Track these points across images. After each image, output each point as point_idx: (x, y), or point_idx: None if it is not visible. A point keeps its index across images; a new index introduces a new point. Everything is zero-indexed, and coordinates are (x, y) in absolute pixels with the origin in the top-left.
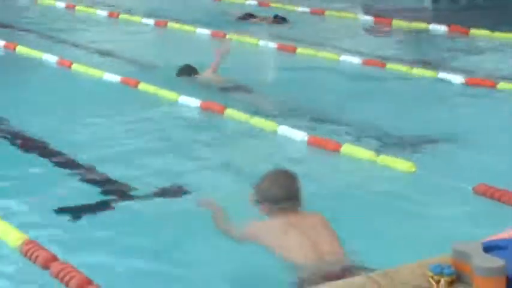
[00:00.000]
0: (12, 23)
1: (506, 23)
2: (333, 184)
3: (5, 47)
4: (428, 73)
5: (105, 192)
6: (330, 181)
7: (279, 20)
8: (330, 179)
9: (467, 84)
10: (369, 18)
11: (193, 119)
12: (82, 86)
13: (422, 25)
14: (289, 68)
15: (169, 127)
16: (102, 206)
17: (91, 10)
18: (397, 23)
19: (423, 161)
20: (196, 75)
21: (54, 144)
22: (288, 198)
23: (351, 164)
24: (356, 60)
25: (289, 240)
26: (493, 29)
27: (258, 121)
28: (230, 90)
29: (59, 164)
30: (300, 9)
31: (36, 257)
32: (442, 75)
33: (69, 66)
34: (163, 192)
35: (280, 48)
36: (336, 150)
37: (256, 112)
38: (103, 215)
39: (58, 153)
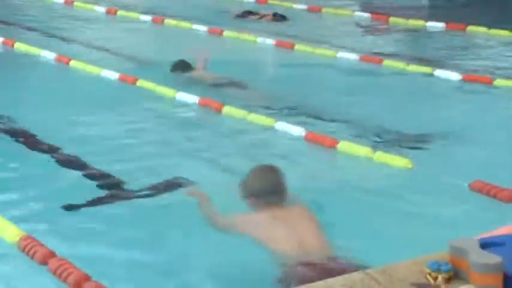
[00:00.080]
0: (10, 20)
1: (502, 20)
2: (329, 180)
3: (3, 43)
4: (425, 70)
5: (102, 187)
6: (327, 177)
7: (278, 17)
8: (327, 175)
9: (464, 80)
10: (365, 15)
11: (190, 115)
12: (80, 83)
13: (419, 22)
14: (286, 64)
15: (167, 123)
16: (100, 201)
17: (89, 6)
18: (394, 20)
19: (420, 157)
20: (190, 71)
21: (51, 140)
22: (273, 193)
23: (348, 160)
24: (353, 56)
25: (274, 233)
26: (489, 26)
27: (255, 117)
28: (224, 86)
29: (57, 160)
30: (297, 6)
31: (34, 253)
32: (438, 71)
33: (67, 63)
34: (160, 187)
35: (278, 45)
36: (333, 146)
37: (248, 107)
38: (101, 210)
39: (56, 149)
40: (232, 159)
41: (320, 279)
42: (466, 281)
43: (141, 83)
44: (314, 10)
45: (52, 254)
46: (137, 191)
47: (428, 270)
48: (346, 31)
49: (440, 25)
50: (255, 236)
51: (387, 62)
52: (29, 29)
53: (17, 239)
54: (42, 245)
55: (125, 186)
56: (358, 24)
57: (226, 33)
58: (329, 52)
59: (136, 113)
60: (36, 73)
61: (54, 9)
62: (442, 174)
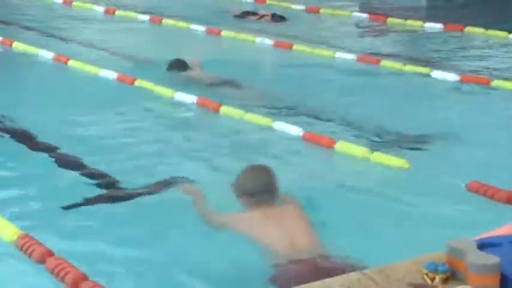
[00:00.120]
0: (9, 19)
1: (500, 21)
2: (326, 180)
3: (2, 43)
4: (422, 70)
5: (100, 186)
6: (324, 177)
7: (277, 18)
8: (324, 175)
9: (461, 81)
10: (364, 16)
11: (188, 114)
12: (78, 82)
13: (417, 23)
14: (285, 64)
15: (165, 123)
16: (98, 200)
17: (88, 6)
18: (391, 20)
19: (417, 158)
20: (187, 70)
21: (49, 139)
22: (265, 192)
23: (345, 160)
24: (351, 57)
25: (265, 232)
26: (487, 26)
27: (252, 117)
28: (220, 86)
29: (55, 159)
30: (296, 6)
31: (32, 251)
32: (436, 72)
33: (66, 63)
34: (158, 186)
35: (277, 45)
36: (331, 146)
37: (246, 106)
38: (99, 209)
39: (54, 148)
40: (230, 158)
41: (312, 276)
42: (463, 281)
43: (139, 82)
44: (312, 10)
45: (50, 253)
46: (135, 190)
47: (425, 271)
48: (344, 31)
49: (438, 26)
50: (247, 235)
51: (385, 63)
52: (28, 28)
53: (15, 237)
54: (40, 243)
55: (123, 185)
56: (356, 25)
57: (224, 33)
58: (327, 52)
59: (135, 113)
60: (35, 73)
61: (52, 9)
62: (439, 174)
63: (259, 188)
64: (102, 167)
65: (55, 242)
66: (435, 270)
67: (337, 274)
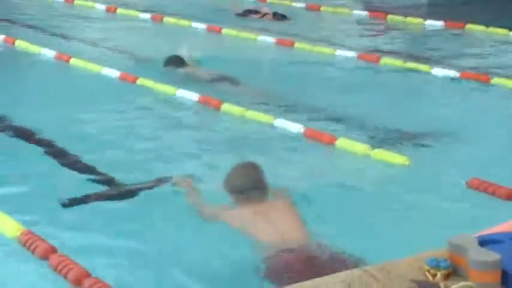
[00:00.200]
0: (11, 18)
1: (501, 19)
2: (327, 176)
3: (5, 41)
4: (423, 68)
5: (102, 183)
6: (325, 173)
7: (279, 17)
8: (325, 171)
9: (461, 79)
10: (364, 14)
11: (189, 112)
12: (80, 81)
13: (417, 20)
14: (286, 62)
15: (166, 120)
16: (100, 196)
17: (89, 4)
18: (392, 18)
19: (417, 155)
20: (184, 67)
21: (51, 137)
22: (254, 189)
23: (346, 157)
24: (351, 54)
25: (255, 228)
26: (488, 24)
27: (253, 114)
28: (218, 82)
29: (57, 157)
30: (296, 4)
31: (35, 248)
32: (436, 69)
33: (68, 61)
34: (160, 183)
35: (278, 43)
36: (331, 143)
37: (247, 103)
38: (101, 206)
39: (56, 146)
40: (231, 155)
41: (302, 267)
42: (464, 278)
43: (141, 81)
44: (313, 8)
45: (53, 249)
46: (136, 187)
47: (427, 267)
48: (345, 29)
49: (438, 23)
50: (238, 230)
51: (385, 60)
52: (30, 27)
53: (18, 233)
54: (43, 240)
55: (124, 182)
56: (356, 23)
57: (225, 31)
58: (328, 50)
59: (136, 110)
60: (37, 71)
61: (54, 8)
62: (440, 171)
63: (248, 185)
64: (103, 164)
65: (58, 239)
66: (437, 267)
67: (327, 265)
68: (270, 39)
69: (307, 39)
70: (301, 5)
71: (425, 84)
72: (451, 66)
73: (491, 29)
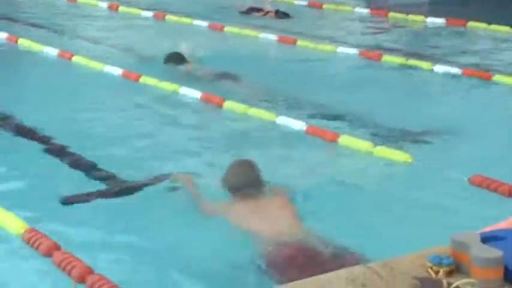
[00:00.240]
0: (14, 16)
1: (503, 16)
2: (329, 174)
3: (8, 39)
4: (424, 65)
5: (104, 180)
6: (327, 171)
7: (281, 14)
8: (327, 169)
9: (463, 76)
10: (365, 11)
11: (192, 109)
12: (83, 78)
13: (419, 18)
14: (288, 59)
15: (167, 118)
16: (103, 194)
17: (92, 2)
18: (393, 15)
19: (419, 152)
20: (184, 64)
21: (54, 135)
22: (249, 186)
23: (349, 154)
24: (353, 51)
25: (251, 223)
26: (490, 22)
27: (256, 111)
28: (219, 80)
29: (60, 154)
30: (298, 2)
31: (39, 245)
32: (438, 67)
33: (70, 59)
34: (162, 180)
35: (280, 41)
36: (334, 140)
37: (249, 101)
38: (104, 203)
39: (58, 144)
40: (233, 153)
41: (302, 259)
42: (467, 274)
43: (143, 78)
44: (315, 6)
45: (56, 247)
46: (139, 184)
47: (429, 264)
48: (347, 26)
49: (440, 21)
50: (236, 226)
51: (387, 57)
52: (33, 25)
53: (22, 231)
54: (46, 237)
55: (126, 179)
56: (358, 20)
57: (227, 28)
58: (330, 47)
59: (137, 108)
60: (40, 69)
61: (57, 6)
62: (442, 168)
63: (244, 182)
64: (105, 161)
65: (61, 236)
66: (439, 264)
67: (326, 259)
68: (272, 37)
69: (309, 37)
70: (304, 2)
71: (427, 81)
72: (452, 64)
73: (493, 27)
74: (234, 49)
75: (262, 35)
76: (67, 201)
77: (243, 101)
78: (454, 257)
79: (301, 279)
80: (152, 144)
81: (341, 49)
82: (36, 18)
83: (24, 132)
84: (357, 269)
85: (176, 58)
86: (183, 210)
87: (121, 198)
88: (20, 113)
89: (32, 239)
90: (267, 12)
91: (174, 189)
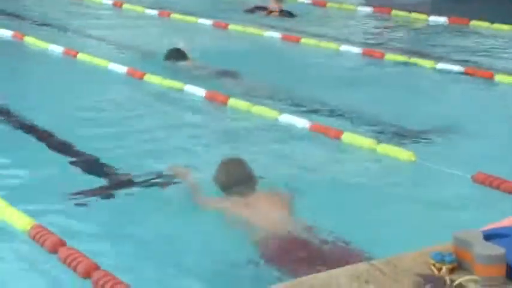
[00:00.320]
0: (20, 13)
1: (506, 15)
2: (333, 171)
3: (13, 37)
4: (427, 63)
5: (110, 178)
6: (331, 168)
7: (285, 13)
8: (331, 166)
9: (466, 75)
10: (368, 9)
11: (196, 107)
12: (88, 75)
13: (422, 16)
14: (291, 57)
15: (172, 116)
16: (108, 191)
17: (97, 0)
18: (396, 13)
19: (422, 149)
20: (184, 61)
21: (59, 132)
22: (239, 183)
23: (352, 151)
24: (356, 50)
25: (244, 217)
26: (492, 20)
27: (259, 109)
28: (219, 77)
29: (64, 150)
30: (303, 0)
31: (44, 241)
32: (440, 65)
33: (75, 56)
34: (166, 178)
35: (284, 39)
36: (337, 137)
37: (252, 98)
38: (108, 201)
39: (63, 141)
40: (237, 151)
41: (296, 251)
42: (470, 272)
43: (148, 77)
44: (319, 4)
45: (62, 243)
46: (144, 182)
47: (432, 261)
48: (350, 25)
49: (443, 19)
50: (231, 220)
51: (389, 56)
52: (39, 22)
53: (28, 227)
54: (52, 233)
55: (132, 177)
56: (361, 18)
57: (231, 26)
58: (333, 45)
59: (142, 105)
60: (45, 66)
61: (62, 3)
62: (445, 166)
63: (234, 180)
64: (109, 157)
65: (66, 232)
66: (442, 261)
67: (323, 252)
68: (276, 35)
69: (313, 35)
70: (308, 0)
71: (430, 80)
72: (455, 62)
73: (496, 25)
74: (237, 47)
75: (266, 33)
76: (72, 197)
77: (244, 98)
78: (457, 254)
79: (296, 269)
80: (156, 140)
81: (344, 47)
82: (42, 16)
83: (29, 128)
84: (360, 266)
85: (176, 55)
86: (186, 204)
87: (125, 194)
88: (25, 110)
89: (37, 235)
90: (271, 12)
91: (177, 184)
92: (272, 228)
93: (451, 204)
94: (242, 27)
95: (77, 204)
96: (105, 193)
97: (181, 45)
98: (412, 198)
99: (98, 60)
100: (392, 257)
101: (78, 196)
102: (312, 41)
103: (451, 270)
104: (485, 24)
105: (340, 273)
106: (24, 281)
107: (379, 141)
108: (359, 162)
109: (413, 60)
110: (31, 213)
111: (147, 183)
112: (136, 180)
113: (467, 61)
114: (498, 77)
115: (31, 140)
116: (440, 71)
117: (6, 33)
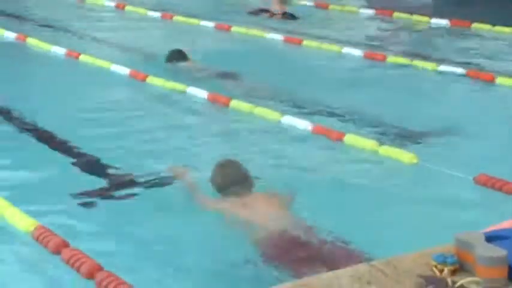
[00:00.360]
0: (23, 15)
1: (507, 18)
2: (335, 173)
3: (17, 38)
4: (428, 65)
5: (112, 180)
6: (333, 170)
7: (288, 16)
8: (333, 167)
9: (467, 77)
10: (370, 12)
11: (197, 109)
12: (90, 77)
13: (423, 18)
14: (293, 59)
15: (175, 117)
16: (110, 193)
17: (99, 2)
18: (398, 15)
19: (424, 151)
20: (185, 62)
21: (62, 133)
22: (235, 184)
23: (354, 153)
24: (357, 53)
25: (241, 216)
26: (494, 23)
27: (261, 110)
28: (221, 78)
29: (67, 153)
30: (305, 2)
31: (48, 242)
32: (442, 67)
33: (77, 58)
34: (168, 179)
35: (286, 41)
36: (339, 139)
37: (255, 100)
38: (111, 202)
39: (66, 142)
40: (239, 152)
41: (293, 249)
42: (471, 273)
43: (150, 79)
44: (322, 6)
45: (65, 244)
46: (146, 182)
47: (434, 263)
48: (352, 27)
49: (444, 22)
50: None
51: (391, 58)
52: (41, 24)
53: (31, 229)
54: (55, 234)
55: (135, 178)
56: (363, 21)
57: (234, 29)
58: (335, 48)
59: (144, 107)
60: (47, 68)
61: (65, 5)
62: (447, 168)
63: (229, 182)
64: (111, 158)
65: (69, 234)
66: (444, 262)
67: (318, 248)
68: (278, 37)
69: (315, 37)
70: (310, 3)
71: (432, 82)
72: (457, 65)
73: (497, 28)
74: (239, 49)
75: (268, 35)
76: (75, 198)
77: (246, 99)
78: (458, 256)
79: (296, 269)
80: (158, 141)
81: (346, 49)
82: (45, 17)
83: (32, 129)
84: (362, 267)
85: (177, 56)
86: (188, 204)
87: (127, 195)
88: (27, 111)
89: (41, 236)
90: (274, 14)
91: (179, 184)
92: (271, 228)
93: (453, 206)
94: (245, 29)
95: (79, 205)
96: (107, 194)
97: (184, 46)
98: (414, 200)
99: (100, 61)
100: (393, 258)
101: (80, 196)
102: (314, 43)
103: (453, 272)
104: (487, 26)
105: (342, 274)
106: (26, 282)
107: (381, 143)
108: (361, 164)
109: (415, 62)
110: (33, 214)
111: (149, 184)
112: (139, 180)
113: (468, 63)
114: (499, 80)
115: (33, 141)
116: (442, 73)
117: (9, 35)
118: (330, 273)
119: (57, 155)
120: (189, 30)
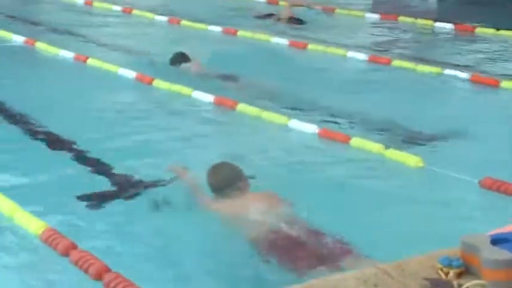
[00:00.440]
0: (31, 19)
1: (511, 22)
2: (341, 176)
3: (25, 42)
4: (433, 69)
5: (120, 182)
6: (338, 173)
7: (294, 20)
8: (339, 171)
9: (472, 81)
10: (375, 16)
11: (205, 112)
12: (97, 81)
13: (428, 22)
14: (299, 63)
15: (182, 121)
16: (118, 195)
17: (107, 6)
18: (403, 19)
19: (429, 154)
20: (187, 62)
21: (70, 136)
22: (229, 185)
23: (360, 156)
24: (362, 57)
25: (238, 219)
26: (498, 27)
27: (267, 114)
28: (222, 80)
29: (76, 156)
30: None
31: (57, 244)
32: (447, 71)
33: (85, 61)
34: (175, 182)
35: (292, 45)
36: (346, 143)
37: (262, 104)
38: (119, 204)
39: (74, 145)
40: (246, 156)
41: (289, 243)
42: (477, 276)
43: (157, 82)
44: (328, 10)
45: (73, 246)
46: (154, 185)
47: (439, 266)
48: (357, 31)
49: (449, 26)
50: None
51: (396, 62)
52: (50, 29)
53: (41, 231)
54: (64, 236)
55: (142, 180)
56: (368, 25)
57: (240, 33)
58: (340, 51)
59: (151, 110)
60: (56, 71)
61: (73, 10)
62: (452, 171)
63: (223, 183)
64: (121, 164)
65: (78, 236)
66: (449, 265)
67: (318, 248)
68: (284, 41)
69: (321, 41)
70: (317, 7)
71: (436, 86)
72: (461, 69)
73: (502, 32)
74: (246, 53)
75: (274, 39)
76: (83, 201)
77: (252, 103)
78: (464, 259)
79: (296, 269)
80: (165, 144)
81: (351, 53)
82: (53, 22)
83: (40, 132)
84: (368, 270)
85: (180, 58)
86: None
87: (133, 197)
88: (36, 114)
89: (49, 239)
90: (280, 18)
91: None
92: (270, 227)
93: (459, 209)
94: (251, 33)
95: (86, 207)
96: (114, 195)
97: (187, 49)
98: (420, 203)
99: (107, 65)
100: (399, 261)
101: (87, 198)
102: (319, 47)
103: (459, 275)
104: (491, 30)
105: (348, 277)
106: (35, 285)
107: (387, 147)
108: (367, 167)
109: (420, 66)
110: (40, 215)
111: (158, 186)
112: (147, 182)
113: (473, 67)
114: (504, 83)
115: (41, 144)
116: (447, 77)
117: (18, 39)
118: (337, 276)
119: (65, 158)
120: (196, 35)
